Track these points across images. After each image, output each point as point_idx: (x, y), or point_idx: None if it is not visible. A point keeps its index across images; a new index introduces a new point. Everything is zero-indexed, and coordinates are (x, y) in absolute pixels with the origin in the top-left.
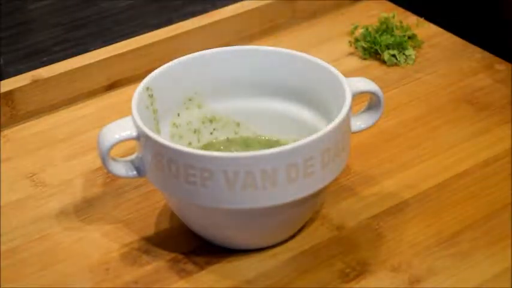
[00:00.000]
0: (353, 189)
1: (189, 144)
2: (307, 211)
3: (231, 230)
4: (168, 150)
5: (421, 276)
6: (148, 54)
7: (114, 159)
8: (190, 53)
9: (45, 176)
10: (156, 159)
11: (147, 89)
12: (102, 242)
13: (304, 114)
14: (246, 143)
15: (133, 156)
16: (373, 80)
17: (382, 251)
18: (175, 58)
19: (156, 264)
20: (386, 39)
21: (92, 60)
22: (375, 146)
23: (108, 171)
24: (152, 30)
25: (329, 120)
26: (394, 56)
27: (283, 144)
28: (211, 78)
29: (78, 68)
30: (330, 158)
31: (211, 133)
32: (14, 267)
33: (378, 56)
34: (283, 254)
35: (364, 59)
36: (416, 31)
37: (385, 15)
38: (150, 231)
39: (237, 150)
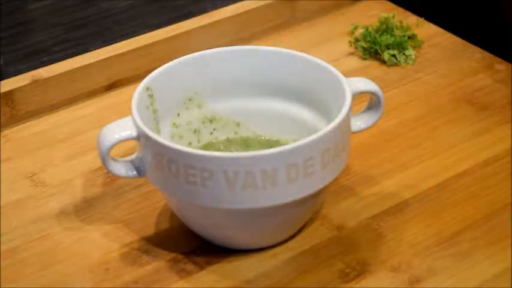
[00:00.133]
0: (353, 189)
1: (189, 144)
2: (307, 211)
3: (231, 230)
4: (168, 150)
5: (421, 276)
6: (148, 54)
7: (114, 159)
8: (190, 53)
9: (45, 176)
10: (156, 159)
11: (147, 89)
12: (102, 242)
13: (304, 114)
14: (246, 143)
15: (133, 156)
16: (373, 80)
17: (382, 251)
18: (175, 58)
19: (156, 264)
20: (386, 39)
21: (92, 60)
22: (375, 146)
23: (108, 171)
24: (152, 30)
25: (329, 120)
26: (394, 56)
27: (283, 144)
28: (211, 78)
29: (78, 68)
30: (330, 158)
31: (211, 133)
32: (14, 267)
33: (378, 56)
34: (283, 254)
35: (364, 59)
36: (416, 31)
37: (385, 15)
38: (150, 231)
39: (237, 150)
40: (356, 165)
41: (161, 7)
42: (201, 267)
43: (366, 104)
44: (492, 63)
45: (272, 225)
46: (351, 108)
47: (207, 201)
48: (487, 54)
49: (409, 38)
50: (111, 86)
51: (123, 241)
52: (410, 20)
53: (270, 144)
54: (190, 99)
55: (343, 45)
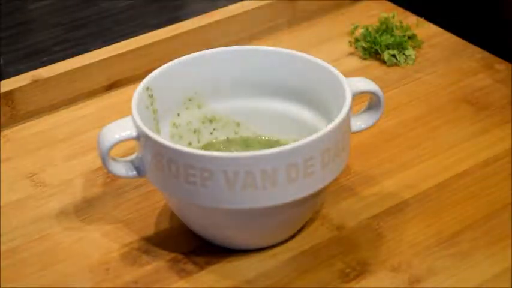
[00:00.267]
0: (353, 189)
1: (189, 144)
2: (307, 211)
3: (231, 230)
4: (168, 150)
5: (421, 276)
6: (148, 54)
7: (114, 159)
8: (190, 53)
9: (45, 176)
10: (156, 159)
11: (147, 89)
12: (102, 242)
13: (304, 114)
14: (246, 143)
15: (133, 156)
16: (373, 80)
17: (382, 251)
18: (175, 58)
19: (156, 264)
20: (386, 39)
21: (92, 60)
22: (375, 146)
23: (108, 171)
24: (152, 30)
25: (329, 120)
26: (394, 56)
27: (283, 144)
28: (211, 78)
29: (78, 68)
30: (330, 158)
31: (211, 133)
32: (14, 267)
33: (378, 56)
34: (283, 254)
35: (364, 59)
36: (416, 31)
37: (385, 15)
38: (150, 231)
39: (237, 150)
40: (356, 165)
41: (161, 7)
42: (201, 267)
43: (366, 104)
44: (492, 63)
45: (272, 225)
46: (351, 108)
47: (207, 201)
48: (487, 54)
49: (409, 38)
50: (111, 86)
51: (123, 241)
52: (410, 20)
53: (270, 144)
54: (190, 99)
55: (343, 45)
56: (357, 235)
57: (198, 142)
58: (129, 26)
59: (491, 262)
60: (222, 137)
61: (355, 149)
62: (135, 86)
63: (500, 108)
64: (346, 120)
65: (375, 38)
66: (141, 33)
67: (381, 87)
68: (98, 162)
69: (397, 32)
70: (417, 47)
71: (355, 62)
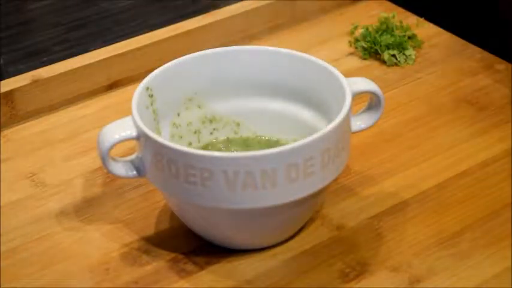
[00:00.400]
0: (353, 189)
1: (189, 144)
2: (307, 211)
3: (231, 230)
4: (168, 150)
5: (421, 276)
6: (148, 54)
7: (114, 159)
8: (190, 53)
9: (45, 176)
10: (156, 159)
11: (147, 89)
12: (102, 242)
13: (304, 114)
14: (246, 143)
15: (133, 156)
16: (373, 80)
17: (382, 251)
18: (175, 58)
19: (156, 264)
20: (386, 39)
21: (92, 60)
22: (375, 146)
23: (108, 171)
24: (152, 30)
25: (329, 120)
26: (394, 56)
27: (283, 144)
28: (211, 78)
29: (78, 68)
30: (330, 158)
31: (211, 133)
32: (14, 267)
33: (378, 56)
34: (283, 254)
35: (364, 59)
36: (416, 31)
37: (385, 15)
38: (150, 231)
39: (237, 150)
40: (356, 165)
41: (161, 7)
42: (201, 267)
43: (366, 104)
44: (492, 63)
45: (272, 225)
46: (351, 108)
47: (207, 201)
48: (487, 54)
49: (409, 38)
50: (111, 86)
51: (123, 241)
52: (410, 20)
53: (270, 144)
54: (190, 99)
55: (343, 45)
56: (357, 235)
57: (198, 142)
58: (129, 26)
59: (491, 262)
60: (222, 137)
61: (355, 149)
62: (135, 86)
63: (500, 108)
64: (346, 120)
65: (375, 38)
66: (141, 33)
67: (381, 87)
68: (98, 162)
69: (397, 32)
70: (417, 47)
71: (355, 62)
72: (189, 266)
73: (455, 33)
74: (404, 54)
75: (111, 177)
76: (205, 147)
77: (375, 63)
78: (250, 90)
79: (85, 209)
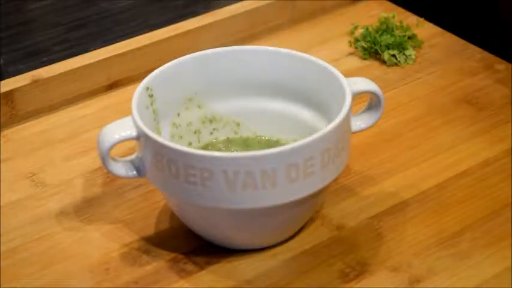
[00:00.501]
0: (353, 189)
1: (189, 144)
2: (307, 211)
3: (231, 230)
4: (168, 150)
5: (421, 276)
6: (148, 54)
7: (114, 159)
8: (190, 53)
9: (45, 176)
10: (156, 159)
11: (147, 89)
12: (102, 242)
13: (304, 114)
14: (246, 143)
15: (133, 156)
16: (373, 80)
17: (382, 251)
18: (175, 58)
19: (156, 264)
20: (386, 39)
21: (92, 60)
22: (375, 146)
23: (108, 171)
24: (152, 30)
25: (329, 120)
26: (394, 56)
27: (283, 144)
28: (211, 78)
29: (78, 68)
30: (330, 158)
31: (211, 133)
32: (14, 267)
33: (378, 56)
34: (283, 254)
35: (364, 59)
36: (416, 31)
37: (385, 15)
38: (150, 231)
39: (237, 150)
40: (356, 165)
41: (161, 7)
42: (201, 267)
43: (366, 104)
44: (492, 63)
45: (272, 225)
46: (351, 108)
47: (207, 201)
48: (487, 54)
49: (409, 38)
50: (111, 86)
51: (123, 241)
52: (410, 20)
53: (270, 144)
54: (190, 99)
55: (343, 45)
56: (357, 235)
57: (198, 142)
58: (129, 26)
59: (491, 262)
60: (222, 137)
61: (355, 149)
62: (135, 86)
63: (500, 108)
64: (346, 120)
65: (375, 38)
66: (141, 33)
67: (381, 87)
68: (98, 162)
69: (397, 32)
70: (417, 47)
71: (355, 62)
72: (189, 266)
73: (455, 33)
74: (404, 54)
75: (111, 177)
76: (205, 147)
77: (375, 63)
78: (250, 90)
79: (85, 209)
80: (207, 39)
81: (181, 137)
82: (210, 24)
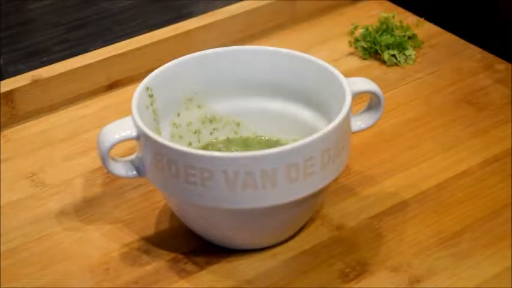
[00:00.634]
0: (353, 189)
1: (189, 144)
2: (307, 211)
3: (231, 230)
4: (168, 150)
5: (421, 276)
6: (148, 54)
7: (114, 159)
8: (190, 53)
9: (45, 176)
10: (156, 159)
11: (147, 89)
12: (102, 242)
13: (304, 114)
14: (246, 143)
15: (133, 156)
16: (373, 80)
17: (382, 251)
18: (175, 58)
19: (156, 264)
20: (386, 39)
21: (92, 60)
22: (375, 146)
23: (108, 171)
24: (152, 30)
25: (329, 120)
26: (394, 56)
27: (283, 144)
28: (211, 78)
29: (78, 68)
30: (330, 158)
31: (211, 133)
32: (14, 267)
33: (378, 56)
34: (283, 254)
35: (364, 59)
36: (416, 31)
37: (385, 15)
38: (150, 231)
39: (237, 150)
40: (356, 165)
41: (161, 7)
42: (201, 267)
43: (366, 104)
44: (492, 63)
45: (272, 225)
46: (351, 108)
47: (207, 201)
48: (487, 54)
49: (409, 38)
50: (111, 86)
51: (123, 241)
52: (410, 20)
53: (270, 144)
54: (190, 99)
55: (343, 45)
56: (357, 235)
57: (198, 142)
58: (129, 26)
59: (491, 262)
60: (222, 137)
61: (355, 149)
62: (135, 86)
63: (500, 108)
64: (346, 120)
65: (375, 38)
66: (141, 33)
67: (381, 87)
68: (98, 162)
69: (397, 32)
70: (417, 47)
71: (355, 62)
72: (189, 266)
73: (455, 33)
74: (404, 54)
75: (111, 177)
76: (205, 147)
77: (375, 63)
78: (250, 90)
79: (85, 209)
80: (207, 39)
81: (181, 137)
82: (210, 24)
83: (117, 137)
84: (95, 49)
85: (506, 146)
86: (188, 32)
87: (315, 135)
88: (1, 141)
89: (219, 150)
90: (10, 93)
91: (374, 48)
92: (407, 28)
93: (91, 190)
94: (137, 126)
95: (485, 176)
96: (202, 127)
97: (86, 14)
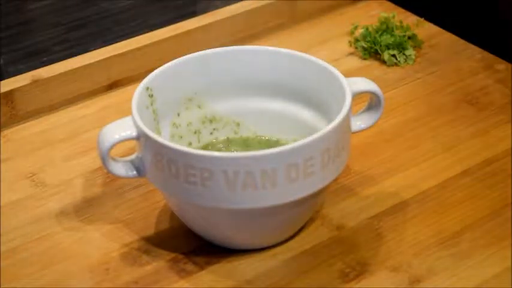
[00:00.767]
0: (353, 189)
1: (189, 144)
2: (307, 211)
3: (231, 230)
4: (168, 150)
5: (421, 276)
6: (148, 54)
7: (114, 159)
8: (190, 53)
9: (45, 176)
10: (156, 159)
11: (147, 89)
12: (102, 242)
13: (304, 114)
14: (246, 143)
15: (133, 156)
16: (373, 80)
17: (382, 251)
18: (175, 58)
19: (156, 264)
20: (386, 39)
21: (92, 60)
22: (375, 146)
23: (108, 171)
24: (152, 30)
25: (329, 120)
26: (394, 56)
27: (283, 144)
28: (211, 78)
29: (78, 68)
30: (330, 158)
31: (211, 133)
32: (14, 267)
33: (378, 56)
34: (283, 254)
35: (364, 59)
36: (416, 31)
37: (385, 15)
38: (150, 231)
39: (237, 150)
40: (356, 165)
41: (161, 7)
42: (201, 267)
43: (366, 104)
44: (492, 63)
45: (272, 225)
46: (351, 108)
47: (207, 201)
48: (487, 54)
49: (409, 38)
50: (111, 86)
51: (123, 241)
52: (410, 20)
53: (270, 144)
54: (190, 99)
55: (343, 45)
56: (357, 235)
57: (198, 142)
58: (129, 26)
59: (491, 262)
60: (222, 137)
61: (355, 149)
62: (135, 86)
63: (500, 108)
64: (346, 120)
65: (375, 38)
66: (141, 33)
67: (381, 87)
68: (98, 162)
69: (397, 32)
70: (417, 47)
71: (355, 62)
72: (189, 266)
73: (455, 33)
74: (404, 54)
75: (111, 177)
76: (205, 147)
77: (375, 63)
78: (250, 90)
79: (85, 209)
80: (207, 39)
81: (181, 137)
82: (210, 24)
83: (117, 137)
84: (95, 49)
85: (506, 146)
86: (188, 32)
87: (315, 135)
88: (1, 141)
89: (219, 150)
90: (10, 93)
91: (374, 48)
92: (407, 28)
93: (91, 190)
94: (137, 126)
95: (485, 176)
96: (202, 127)
97: (86, 14)
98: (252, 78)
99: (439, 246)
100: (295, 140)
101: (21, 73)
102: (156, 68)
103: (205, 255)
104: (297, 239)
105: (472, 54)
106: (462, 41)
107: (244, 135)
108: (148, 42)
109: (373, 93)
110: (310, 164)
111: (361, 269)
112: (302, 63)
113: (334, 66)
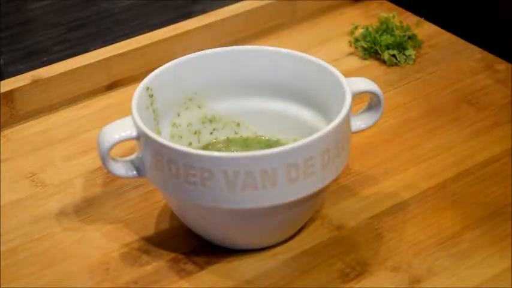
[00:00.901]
0: (353, 189)
1: (189, 144)
2: (307, 211)
3: (231, 230)
4: (168, 150)
5: (421, 276)
6: (148, 54)
7: (114, 159)
8: (190, 53)
9: (45, 176)
10: (156, 159)
11: (147, 89)
12: (102, 242)
13: (304, 114)
14: (246, 143)
15: (133, 156)
16: (373, 80)
17: (382, 251)
18: (175, 58)
19: (156, 264)
20: (386, 39)
21: (92, 60)
22: (375, 146)
23: (108, 171)
24: (152, 30)
25: (329, 120)
26: (394, 56)
27: (283, 144)
28: (211, 78)
29: (78, 68)
30: (330, 158)
31: (211, 133)
32: (14, 267)
33: (378, 56)
34: (283, 254)
35: (364, 59)
36: (416, 31)
37: (385, 15)
38: (150, 231)
39: (237, 150)
40: (356, 165)
41: (161, 7)
42: (201, 267)
43: (366, 104)
44: (492, 63)
45: (272, 225)
46: (351, 108)
47: (207, 201)
48: (487, 54)
49: (409, 38)
50: (111, 86)
51: (123, 241)
52: (410, 20)
53: (270, 144)
54: (190, 99)
55: (343, 45)
56: (357, 235)
57: (198, 142)
58: (129, 26)
59: (491, 262)
60: (222, 137)
61: (355, 149)
62: (135, 86)
63: (500, 108)
64: (346, 120)
65: (375, 38)
66: (141, 33)
67: (381, 87)
68: (98, 162)
69: (397, 32)
70: (417, 47)
71: (355, 62)
72: (189, 266)
73: (455, 33)
74: (404, 54)
75: (111, 177)
76: (205, 147)
77: (375, 63)
78: (250, 90)
79: (85, 209)
80: (207, 39)
81: (181, 137)
82: (210, 24)
83: (117, 137)
84: (95, 49)
85: (506, 146)
86: (188, 32)
87: (315, 135)
88: (1, 141)
89: (219, 150)
90: (10, 93)
91: (374, 48)
92: (407, 28)
93: (91, 190)
94: (137, 126)
95: (485, 176)
96: (202, 127)
97: (86, 14)
98: (252, 78)
99: (439, 246)
100: (295, 140)
101: (21, 73)
102: (156, 68)
103: (205, 255)
104: (297, 239)
105: (472, 54)
106: (462, 41)
107: (244, 135)
108: (148, 42)
109: (373, 93)
110: (310, 164)
111: (361, 269)
112: (302, 63)
113: (334, 66)
